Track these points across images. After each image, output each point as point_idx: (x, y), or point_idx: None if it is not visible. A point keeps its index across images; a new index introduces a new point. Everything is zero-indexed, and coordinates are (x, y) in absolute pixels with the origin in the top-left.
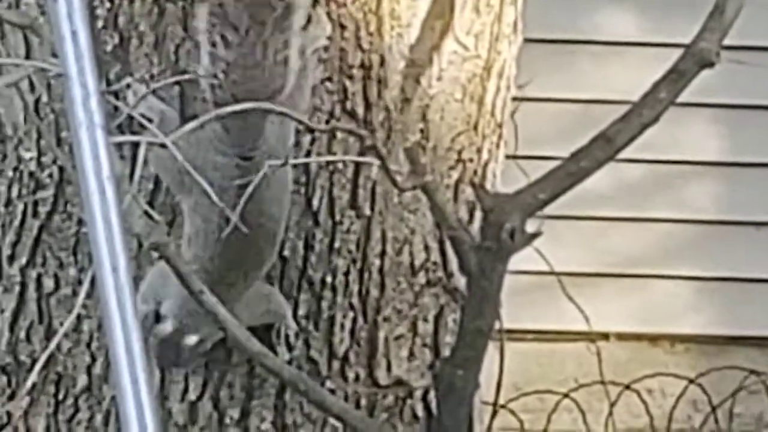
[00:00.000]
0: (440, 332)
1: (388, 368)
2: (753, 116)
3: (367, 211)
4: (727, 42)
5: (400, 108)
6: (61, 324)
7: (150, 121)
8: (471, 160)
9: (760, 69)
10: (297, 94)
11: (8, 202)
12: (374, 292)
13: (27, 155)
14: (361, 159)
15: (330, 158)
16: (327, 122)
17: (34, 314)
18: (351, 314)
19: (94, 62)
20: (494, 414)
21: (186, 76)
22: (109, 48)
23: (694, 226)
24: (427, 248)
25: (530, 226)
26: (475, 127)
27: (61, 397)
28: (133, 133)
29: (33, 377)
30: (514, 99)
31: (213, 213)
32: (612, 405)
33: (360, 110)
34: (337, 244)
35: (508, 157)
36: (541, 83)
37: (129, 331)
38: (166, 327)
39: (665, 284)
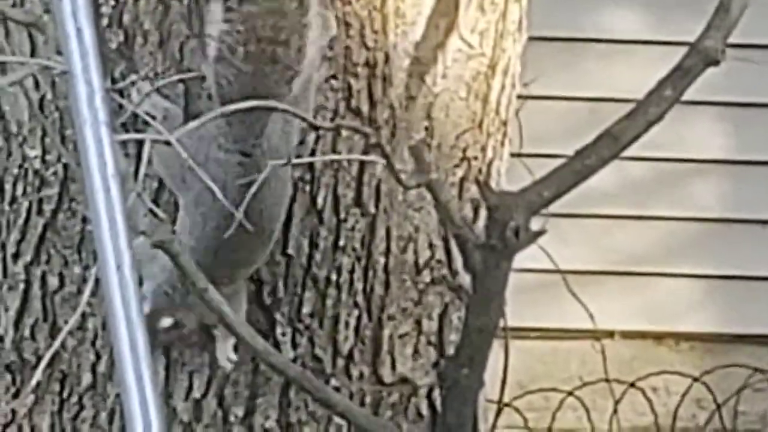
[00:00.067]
0: (445, 330)
1: (393, 366)
2: (758, 114)
3: (372, 209)
4: (732, 40)
5: (405, 106)
6: (66, 322)
7: (154, 118)
8: (476, 158)
9: (765, 67)
10: (303, 92)
11: (13, 200)
12: (379, 290)
13: (32, 153)
14: (365, 157)
15: (335, 156)
16: (332, 120)
17: (39, 312)
18: (355, 312)
19: (98, 60)
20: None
21: (190, 74)
22: (113, 46)
23: (699, 224)
24: (431, 246)
25: (535, 224)
26: (480, 125)
27: (65, 395)
28: (138, 130)
29: (38, 375)
30: (519, 97)
31: (211, 209)
32: (616, 403)
33: (365, 108)
34: (341, 242)
35: (512, 155)
36: (546, 81)
37: (134, 329)
38: (143, 308)
39: (670, 282)
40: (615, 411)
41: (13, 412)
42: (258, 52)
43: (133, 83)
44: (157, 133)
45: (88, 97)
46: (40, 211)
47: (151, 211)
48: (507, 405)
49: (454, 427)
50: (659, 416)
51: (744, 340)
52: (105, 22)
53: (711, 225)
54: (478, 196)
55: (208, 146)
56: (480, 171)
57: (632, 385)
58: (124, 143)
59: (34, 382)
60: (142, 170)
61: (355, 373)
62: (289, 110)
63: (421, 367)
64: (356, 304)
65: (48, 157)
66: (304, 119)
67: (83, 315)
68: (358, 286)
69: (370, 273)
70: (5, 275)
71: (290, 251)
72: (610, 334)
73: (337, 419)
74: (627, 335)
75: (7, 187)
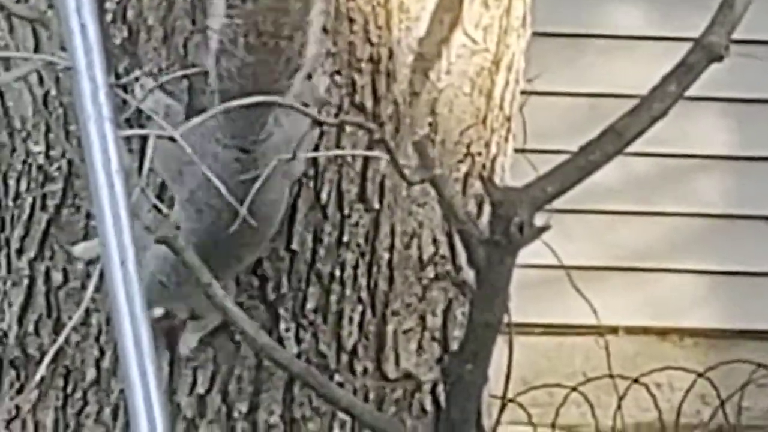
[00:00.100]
0: (449, 326)
1: (397, 362)
2: (762, 110)
3: (376, 205)
4: (736, 36)
5: (409, 102)
6: (70, 317)
7: (156, 115)
8: (480, 154)
9: None
10: (307, 86)
11: (17, 196)
12: (383, 286)
13: (35, 149)
14: (369, 153)
15: (339, 152)
16: (336, 116)
17: (43, 308)
18: (359, 308)
19: (102, 56)
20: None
21: (194, 70)
22: (117, 41)
23: (702, 220)
24: (435, 242)
25: (539, 220)
26: (484, 121)
27: (69, 390)
28: (142, 126)
29: (41, 371)
30: (523, 93)
31: (207, 206)
32: (620, 399)
33: (368, 104)
34: (345, 238)
35: (516, 150)
36: (550, 77)
37: (137, 325)
38: (158, 312)
39: (674, 278)
40: (619, 407)
41: (17, 407)
42: (260, 45)
43: (137, 79)
44: (161, 129)
45: (92, 93)
46: (43, 207)
47: (155, 206)
48: (511, 401)
49: (458, 422)
50: (663, 412)
51: (748, 336)
52: (109, 17)
53: (715, 221)
54: (482, 192)
55: (206, 141)
56: (484, 167)
57: (636, 380)
58: (128, 139)
59: (38, 377)
60: (146, 165)
61: (359, 368)
62: (293, 106)
63: (425, 363)
64: (360, 300)
65: (52, 153)
66: (307, 114)
67: (87, 310)
68: (362, 281)
69: (374, 268)
70: (9, 271)
71: (294, 247)
72: (614, 330)
73: (341, 415)
74: (631, 331)
75: (11, 182)
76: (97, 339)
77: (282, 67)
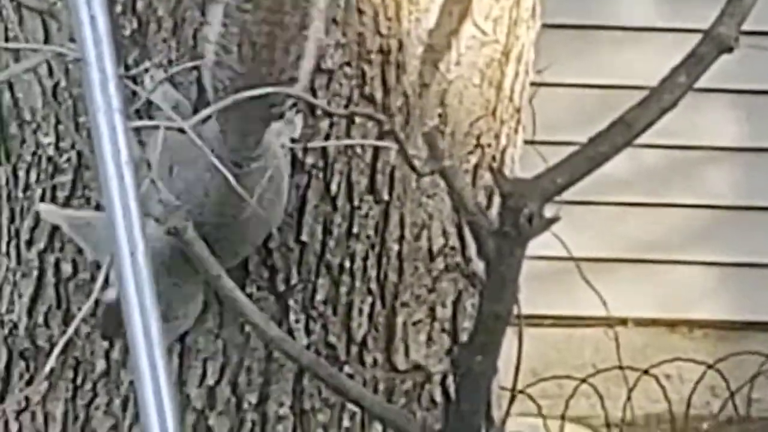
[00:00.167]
0: (458, 317)
1: (407, 353)
2: None
3: (386, 196)
4: (745, 27)
5: (419, 93)
6: (80, 309)
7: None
8: (489, 145)
9: None
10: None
11: (26, 187)
12: (392, 277)
13: (45, 140)
14: (379, 144)
15: (348, 142)
16: (345, 107)
17: (52, 299)
18: (369, 299)
19: (112, 47)
20: (512, 399)
21: (203, 60)
22: (127, 33)
23: (712, 212)
24: (445, 233)
25: (548, 211)
26: (494, 112)
27: (79, 382)
28: (151, 118)
29: (51, 362)
30: (533, 84)
31: (187, 212)
32: (630, 390)
33: (378, 95)
34: (355, 229)
35: (526, 142)
36: (560, 68)
37: (147, 316)
38: (111, 294)
39: (683, 270)
40: (628, 398)
41: (27, 399)
42: (253, 56)
43: (146, 70)
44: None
45: (102, 84)
46: (53, 199)
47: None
48: (521, 392)
49: (467, 414)
50: (673, 404)
51: (757, 328)
52: (119, 9)
53: (724, 212)
54: (491, 183)
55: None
56: (494, 158)
57: (646, 372)
58: (137, 130)
59: (47, 369)
60: (156, 157)
61: (368, 360)
62: (303, 97)
63: (434, 354)
64: (370, 291)
65: (62, 145)
66: (318, 105)
67: (96, 302)
68: (372, 273)
69: (384, 260)
70: (19, 262)
71: (304, 238)
72: (624, 322)
73: (350, 406)
74: (640, 322)
75: (21, 174)
76: None
77: (274, 80)
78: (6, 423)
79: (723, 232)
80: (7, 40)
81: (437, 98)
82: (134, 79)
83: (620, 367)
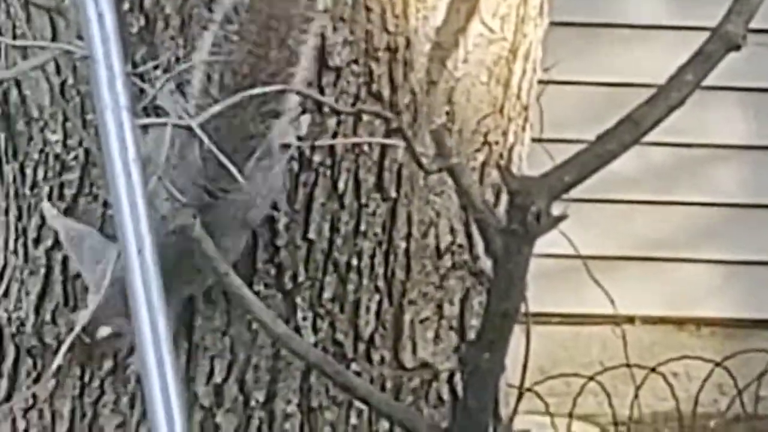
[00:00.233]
0: (466, 315)
1: (414, 351)
2: None
3: (393, 194)
4: (753, 25)
5: (426, 90)
6: (87, 306)
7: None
8: (497, 143)
9: None
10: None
11: (34, 185)
12: (400, 275)
13: (53, 138)
14: (387, 141)
15: (356, 140)
16: (353, 105)
17: (60, 297)
18: (377, 297)
19: (119, 45)
20: (520, 397)
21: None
22: (134, 30)
23: (719, 210)
24: (452, 231)
25: (556, 209)
26: (501, 110)
27: (86, 379)
28: (158, 115)
29: (59, 359)
30: (540, 82)
31: (169, 213)
32: (637, 388)
33: (386, 93)
34: (362, 227)
35: (533, 140)
36: (567, 66)
37: (155, 313)
38: (104, 331)
39: (691, 267)
40: (636, 396)
41: (34, 396)
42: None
43: (154, 68)
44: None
45: (109, 82)
46: (61, 196)
47: (172, 195)
48: (528, 390)
49: (475, 411)
50: (680, 401)
51: (765, 325)
52: (126, 6)
53: (732, 210)
54: (499, 181)
55: (184, 170)
56: (501, 156)
57: (653, 370)
58: (144, 128)
59: (55, 366)
60: (163, 154)
61: (376, 357)
62: (304, 92)
63: (442, 352)
64: (377, 289)
65: (69, 142)
66: (325, 103)
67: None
68: (379, 270)
69: (391, 258)
70: (26, 260)
71: (311, 236)
72: (631, 320)
73: (357, 404)
74: (648, 320)
75: (28, 171)
76: None
77: (253, 112)
78: (14, 420)
79: (730, 229)
80: (14, 37)
81: (445, 96)
82: (142, 77)
83: (628, 365)
